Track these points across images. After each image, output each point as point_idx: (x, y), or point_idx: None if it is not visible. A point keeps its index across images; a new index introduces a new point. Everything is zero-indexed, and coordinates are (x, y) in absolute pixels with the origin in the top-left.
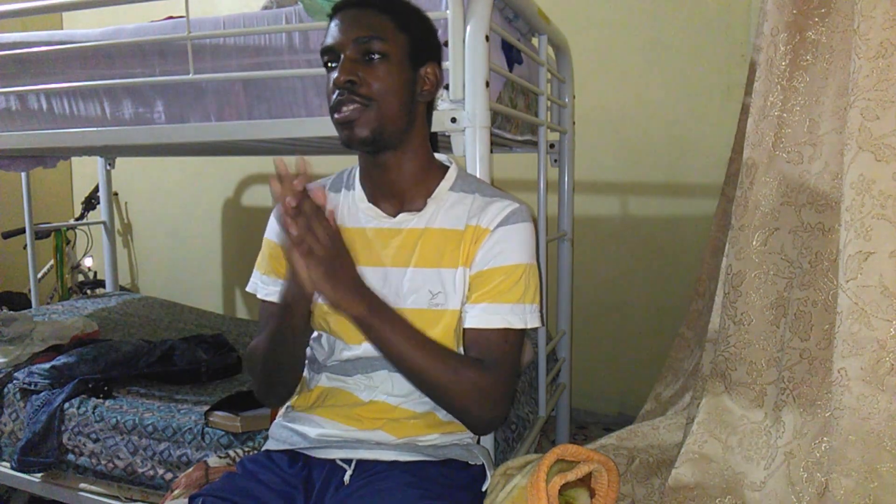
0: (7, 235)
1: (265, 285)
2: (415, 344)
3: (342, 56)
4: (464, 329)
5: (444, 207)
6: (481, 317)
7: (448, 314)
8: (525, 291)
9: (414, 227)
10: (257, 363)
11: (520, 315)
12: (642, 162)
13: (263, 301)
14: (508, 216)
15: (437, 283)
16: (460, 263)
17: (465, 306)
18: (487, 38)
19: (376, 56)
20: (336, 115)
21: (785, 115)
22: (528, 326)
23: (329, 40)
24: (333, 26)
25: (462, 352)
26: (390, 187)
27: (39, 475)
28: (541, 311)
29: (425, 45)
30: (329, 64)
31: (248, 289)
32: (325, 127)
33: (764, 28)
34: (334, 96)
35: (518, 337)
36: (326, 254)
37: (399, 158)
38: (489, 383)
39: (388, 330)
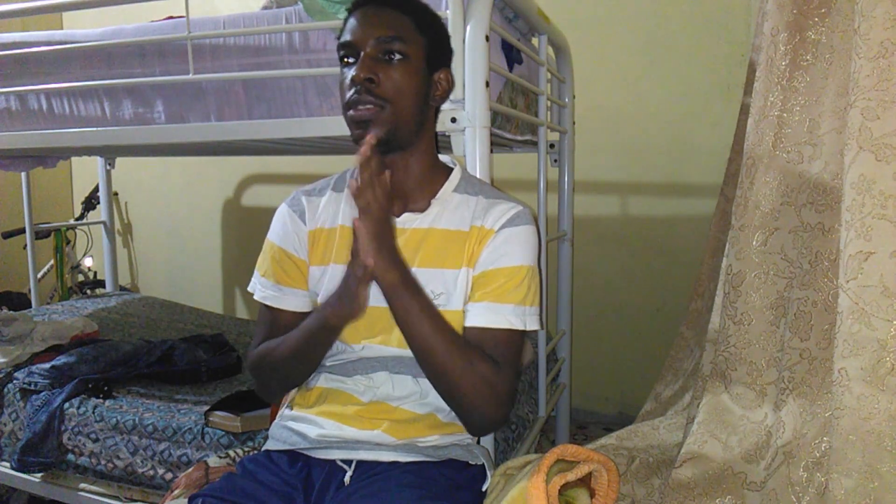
0: (7, 235)
1: (263, 288)
2: (437, 326)
3: (361, 53)
4: (465, 327)
5: (449, 209)
6: (484, 315)
7: (450, 315)
8: (527, 294)
9: (418, 227)
10: (273, 368)
11: (521, 317)
12: (642, 162)
13: (266, 306)
14: (513, 218)
15: (440, 283)
16: (464, 264)
17: (467, 305)
18: (487, 38)
19: (396, 56)
20: (351, 112)
21: (785, 115)
22: (528, 329)
23: (349, 36)
24: (354, 22)
25: None
26: (396, 188)
27: (39, 475)
28: (540, 315)
29: (441, 49)
30: (345, 59)
31: (249, 288)
32: (325, 127)
33: (764, 28)
34: (350, 93)
35: (519, 338)
36: (381, 213)
37: (406, 160)
38: (499, 381)
39: (415, 305)
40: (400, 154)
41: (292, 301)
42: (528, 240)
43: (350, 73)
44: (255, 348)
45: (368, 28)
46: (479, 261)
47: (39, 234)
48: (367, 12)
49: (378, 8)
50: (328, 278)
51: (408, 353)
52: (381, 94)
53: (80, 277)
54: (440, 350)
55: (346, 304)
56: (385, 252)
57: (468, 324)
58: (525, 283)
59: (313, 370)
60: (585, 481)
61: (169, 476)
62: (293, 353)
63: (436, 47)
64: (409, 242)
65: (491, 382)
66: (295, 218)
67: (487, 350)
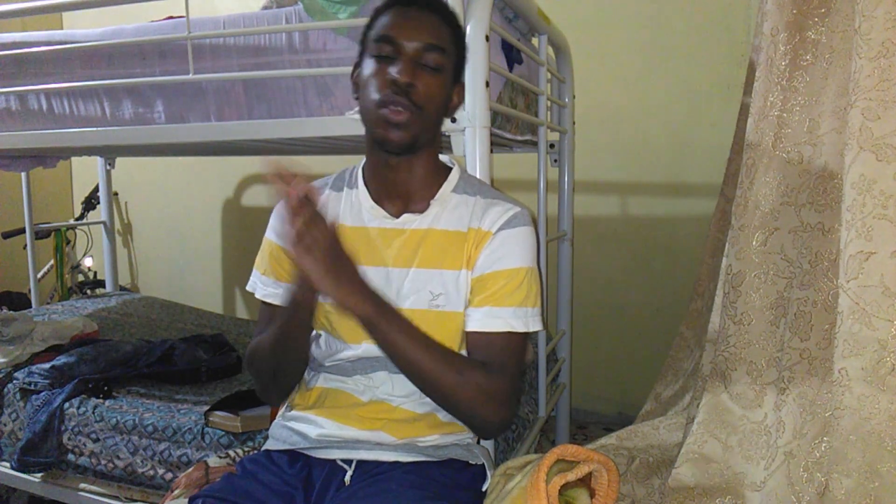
0: (7, 235)
1: (264, 286)
2: (420, 345)
3: (403, 54)
4: (467, 332)
5: (448, 209)
6: (484, 320)
7: (449, 316)
8: (527, 295)
9: (417, 227)
10: (261, 362)
11: (522, 319)
12: (642, 162)
13: (263, 302)
14: (510, 220)
15: (438, 284)
16: (463, 266)
17: (468, 309)
18: (487, 38)
19: (432, 66)
20: (385, 112)
21: (785, 115)
22: (531, 330)
23: (392, 31)
24: (399, 18)
25: (465, 354)
26: (398, 188)
27: (39, 475)
28: (542, 315)
29: (463, 63)
30: (381, 55)
31: (248, 287)
32: (325, 127)
33: (764, 28)
34: (384, 92)
35: (521, 340)
36: (326, 253)
37: (411, 161)
38: (494, 386)
39: (393, 330)
40: (406, 156)
41: None
42: (525, 241)
43: (388, 70)
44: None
45: (416, 30)
46: (477, 264)
47: (39, 234)
48: (415, 13)
49: (427, 13)
50: None
51: None
52: (416, 101)
53: (80, 277)
54: (426, 367)
55: (300, 284)
56: (346, 287)
57: (469, 329)
58: (525, 284)
59: (299, 362)
60: (585, 481)
61: (169, 476)
62: (275, 339)
63: (461, 61)
64: (408, 243)
65: (485, 389)
66: None
67: (488, 354)
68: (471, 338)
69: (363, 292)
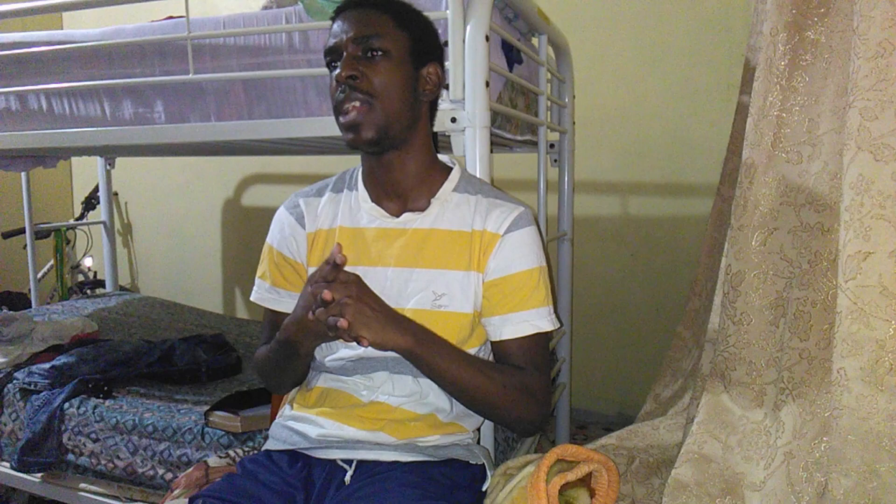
0: (7, 235)
1: (260, 290)
2: (462, 366)
3: (344, 54)
4: (498, 342)
5: (449, 208)
6: (513, 327)
7: (452, 316)
8: (545, 295)
9: (419, 227)
10: (266, 373)
11: (546, 318)
12: (642, 162)
13: (269, 310)
14: (516, 221)
15: (442, 284)
16: (472, 267)
17: (491, 318)
18: (487, 38)
19: (377, 53)
20: (342, 119)
21: (784, 114)
22: (556, 328)
23: (331, 41)
24: (335, 27)
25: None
26: (394, 187)
27: (39, 475)
28: (555, 309)
29: (426, 44)
30: (332, 65)
31: (252, 298)
32: (325, 127)
33: (763, 28)
34: (337, 94)
35: (546, 338)
36: (355, 304)
37: (402, 158)
38: (534, 388)
39: (437, 358)
40: (395, 152)
41: (289, 304)
42: (534, 241)
43: (335, 74)
44: (258, 349)
45: (348, 30)
46: (489, 268)
47: (39, 234)
48: (347, 16)
49: (356, 10)
50: None
51: None
52: (366, 90)
53: (80, 277)
54: (470, 385)
55: (301, 328)
56: (383, 329)
57: (497, 338)
58: (540, 284)
59: (301, 375)
60: (585, 481)
61: (169, 476)
62: (274, 362)
63: (419, 43)
64: (410, 243)
65: (526, 393)
66: (293, 221)
67: (524, 358)
68: (501, 346)
69: (401, 328)
